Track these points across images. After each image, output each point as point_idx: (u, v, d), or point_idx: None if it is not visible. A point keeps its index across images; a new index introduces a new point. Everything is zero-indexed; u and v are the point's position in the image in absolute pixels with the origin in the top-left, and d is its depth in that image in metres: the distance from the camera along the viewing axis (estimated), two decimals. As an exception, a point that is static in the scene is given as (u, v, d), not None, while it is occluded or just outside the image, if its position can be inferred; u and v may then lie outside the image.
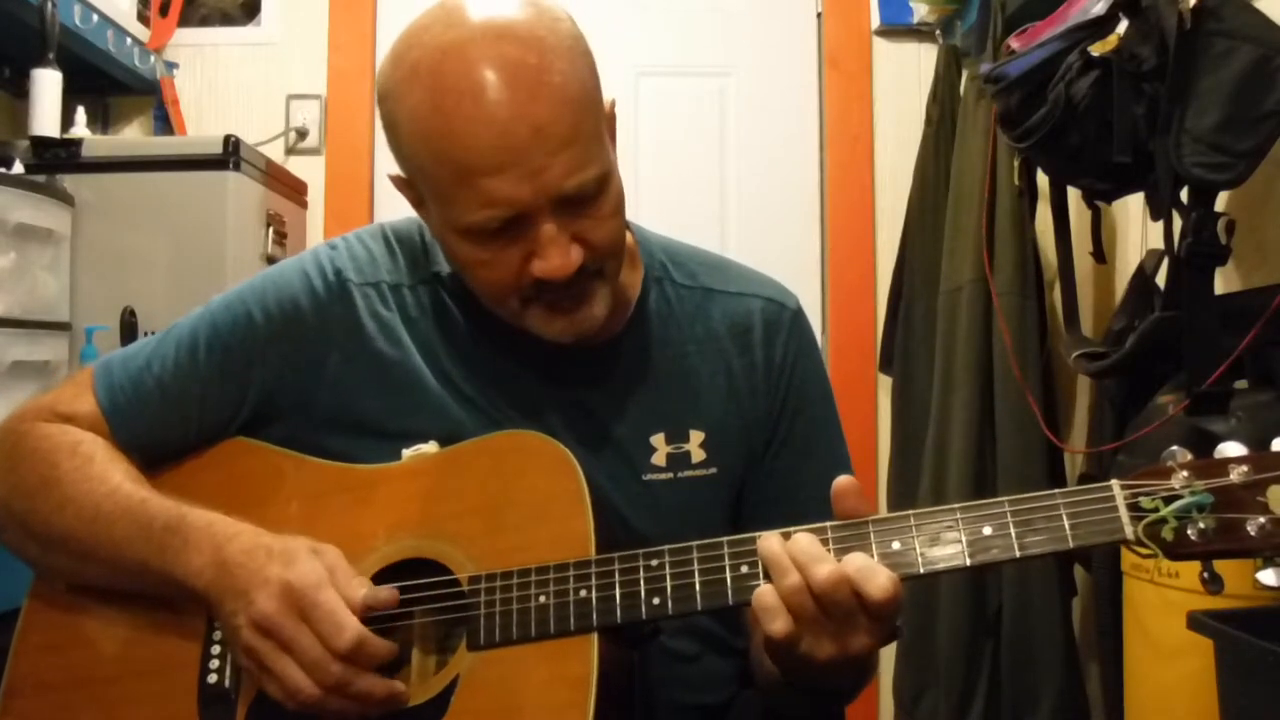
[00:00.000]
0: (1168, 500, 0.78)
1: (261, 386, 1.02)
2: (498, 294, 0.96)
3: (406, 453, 0.98)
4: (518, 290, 0.94)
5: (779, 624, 0.79)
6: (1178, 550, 0.78)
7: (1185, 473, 0.78)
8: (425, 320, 1.04)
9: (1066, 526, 0.79)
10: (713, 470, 1.04)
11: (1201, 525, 0.77)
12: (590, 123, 0.91)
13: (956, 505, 0.82)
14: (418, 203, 1.00)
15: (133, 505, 0.94)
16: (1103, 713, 1.90)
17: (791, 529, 0.83)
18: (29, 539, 0.99)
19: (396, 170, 0.99)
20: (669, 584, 0.85)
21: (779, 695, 0.96)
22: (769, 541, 0.82)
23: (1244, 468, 0.77)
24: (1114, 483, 0.80)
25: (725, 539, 0.86)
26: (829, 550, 0.81)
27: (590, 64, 0.93)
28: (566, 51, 0.90)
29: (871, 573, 0.78)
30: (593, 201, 0.92)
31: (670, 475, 1.03)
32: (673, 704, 1.01)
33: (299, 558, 0.88)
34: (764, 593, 0.80)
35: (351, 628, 0.85)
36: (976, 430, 2.09)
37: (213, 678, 0.93)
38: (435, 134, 0.88)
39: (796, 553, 0.80)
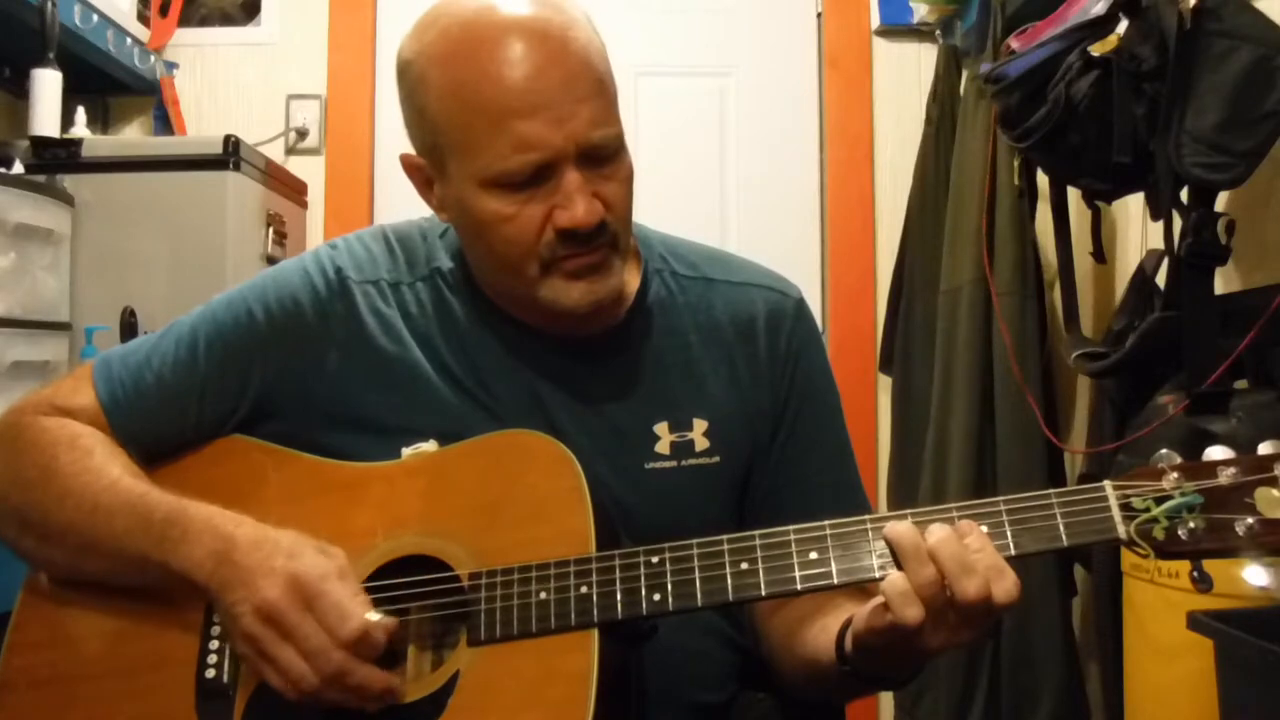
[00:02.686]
0: (1159, 500, 0.80)
1: (261, 383, 1.03)
2: (519, 256, 0.96)
3: (406, 451, 0.98)
4: (538, 252, 0.95)
5: (913, 611, 0.79)
6: (1168, 549, 0.79)
7: (1176, 474, 0.80)
8: (425, 316, 1.05)
9: (1060, 525, 0.81)
10: (716, 459, 1.04)
11: (1191, 525, 0.79)
12: (610, 88, 0.96)
13: (954, 505, 0.83)
14: (427, 183, 1.01)
15: (133, 498, 0.95)
16: (1103, 713, 1.90)
17: (908, 512, 0.83)
18: (26, 532, 0.99)
19: (399, 161, 1.01)
20: (669, 580, 0.86)
21: (821, 682, 0.96)
22: (901, 528, 0.81)
23: (1232, 470, 0.79)
24: (1106, 483, 0.81)
25: (725, 536, 0.87)
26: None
27: (604, 45, 0.98)
28: (585, 25, 0.97)
29: (1000, 573, 0.79)
30: (611, 161, 0.96)
31: (674, 463, 1.03)
32: (672, 700, 1.01)
33: (305, 552, 0.89)
34: (896, 580, 0.80)
35: (356, 618, 0.86)
36: (976, 430, 2.09)
37: (210, 673, 0.93)
38: (470, 81, 0.92)
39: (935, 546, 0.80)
